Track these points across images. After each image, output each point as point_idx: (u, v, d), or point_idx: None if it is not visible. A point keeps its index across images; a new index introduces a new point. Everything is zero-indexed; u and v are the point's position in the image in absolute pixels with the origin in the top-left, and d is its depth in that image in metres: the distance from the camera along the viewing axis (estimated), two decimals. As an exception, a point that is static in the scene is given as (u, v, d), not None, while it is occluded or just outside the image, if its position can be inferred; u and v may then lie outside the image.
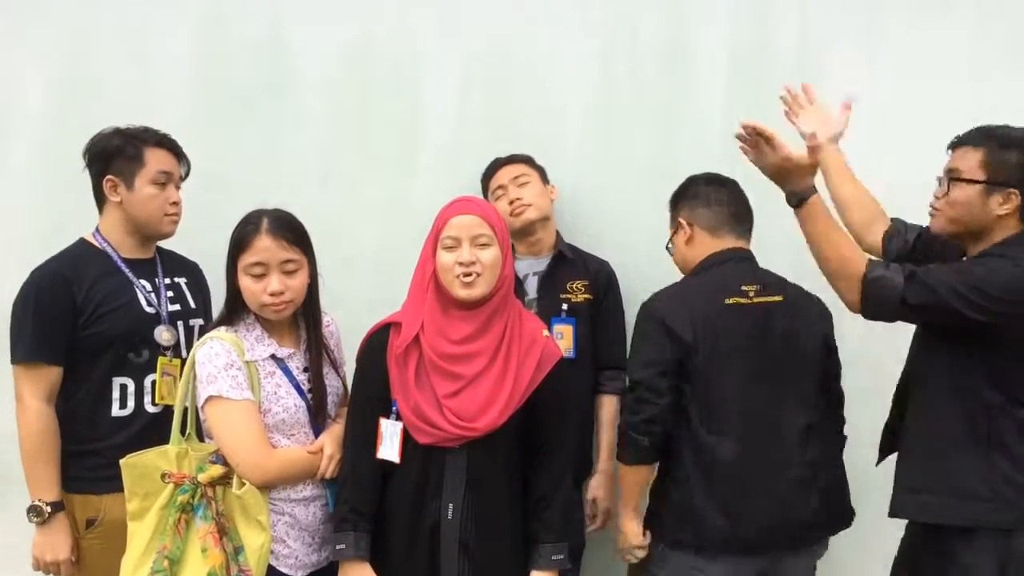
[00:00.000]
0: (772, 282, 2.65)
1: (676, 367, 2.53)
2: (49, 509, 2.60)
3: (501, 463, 2.39)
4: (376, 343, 2.43)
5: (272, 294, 2.42)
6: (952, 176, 2.44)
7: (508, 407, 2.34)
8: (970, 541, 2.35)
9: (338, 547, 2.39)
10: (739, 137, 2.46)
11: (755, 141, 2.42)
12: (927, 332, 2.50)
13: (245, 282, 2.44)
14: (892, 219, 2.72)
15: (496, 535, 2.37)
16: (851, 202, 2.71)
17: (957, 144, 2.49)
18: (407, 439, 2.38)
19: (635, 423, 2.54)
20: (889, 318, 2.44)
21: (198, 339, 2.74)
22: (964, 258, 2.50)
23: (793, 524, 2.53)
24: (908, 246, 2.65)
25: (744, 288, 2.59)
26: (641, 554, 2.68)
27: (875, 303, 2.36)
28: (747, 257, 2.70)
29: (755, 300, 2.58)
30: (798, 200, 2.43)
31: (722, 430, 2.51)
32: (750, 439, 2.51)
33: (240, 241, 2.44)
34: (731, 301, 2.57)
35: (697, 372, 2.52)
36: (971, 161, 2.42)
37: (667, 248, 2.82)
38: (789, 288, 2.66)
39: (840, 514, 2.66)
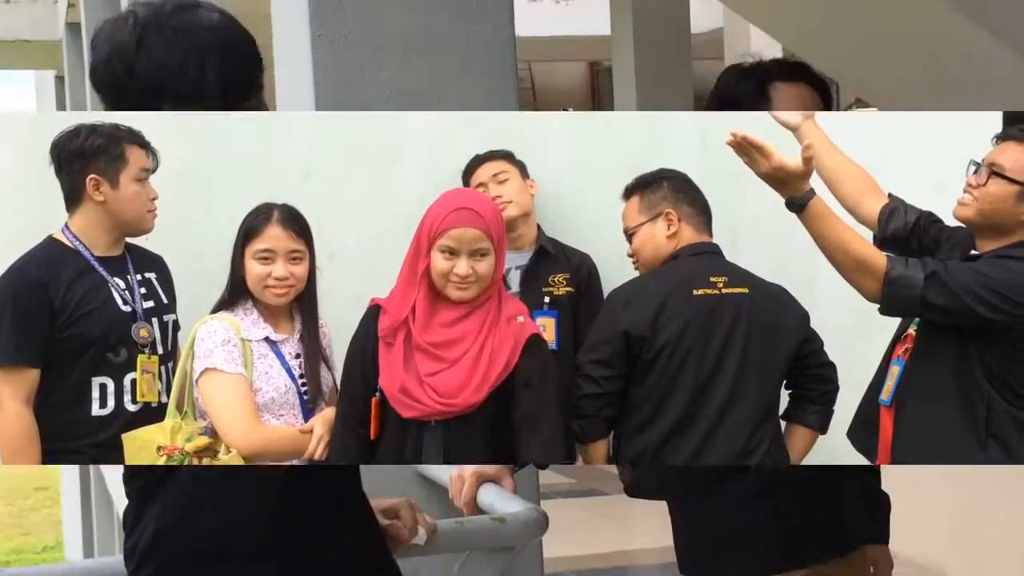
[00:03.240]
0: (738, 274, 2.69)
1: (622, 356, 2.58)
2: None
3: (479, 444, 2.41)
4: (370, 318, 2.47)
5: (277, 279, 2.55)
6: (994, 170, 2.34)
7: (483, 386, 2.38)
8: None
9: None
10: (729, 144, 2.37)
11: (745, 149, 2.34)
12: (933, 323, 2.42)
13: (251, 266, 2.57)
14: (890, 194, 2.65)
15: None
16: (838, 175, 2.65)
17: (1004, 137, 2.38)
18: (388, 417, 2.41)
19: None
20: (907, 316, 2.44)
21: (172, 335, 2.79)
22: (973, 251, 2.43)
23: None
24: (907, 227, 2.57)
25: (712, 280, 2.63)
26: None
27: (895, 303, 2.32)
28: (717, 251, 2.76)
29: (723, 291, 2.63)
30: (799, 205, 2.35)
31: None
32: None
33: (251, 229, 2.59)
34: (699, 292, 2.61)
35: (651, 359, 2.58)
36: (1020, 160, 2.32)
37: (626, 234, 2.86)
38: (754, 280, 2.71)
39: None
